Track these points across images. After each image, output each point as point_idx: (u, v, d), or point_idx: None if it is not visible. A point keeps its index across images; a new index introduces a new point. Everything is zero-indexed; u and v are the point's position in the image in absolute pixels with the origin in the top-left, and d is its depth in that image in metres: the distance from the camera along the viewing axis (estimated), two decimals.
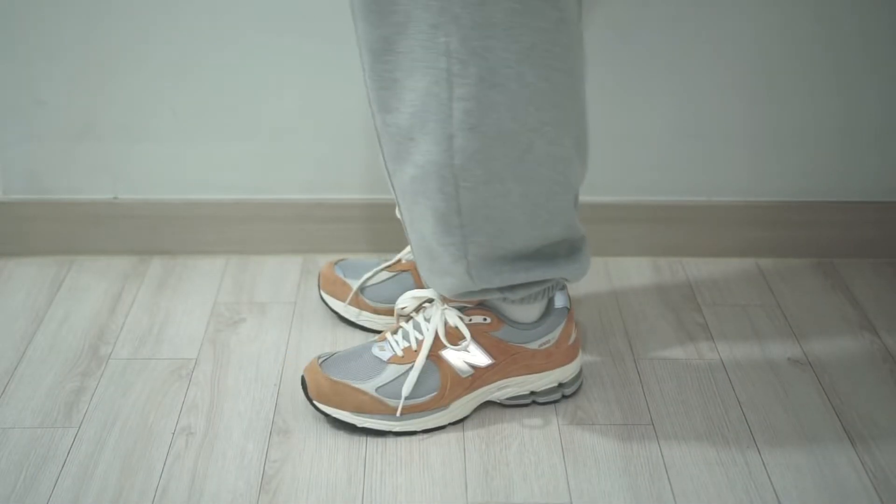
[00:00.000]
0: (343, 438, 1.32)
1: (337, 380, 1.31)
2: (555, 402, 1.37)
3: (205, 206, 1.68)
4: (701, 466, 1.28)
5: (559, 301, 1.35)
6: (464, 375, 1.32)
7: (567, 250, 1.29)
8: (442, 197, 1.20)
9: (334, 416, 1.31)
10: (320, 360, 1.34)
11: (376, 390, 1.31)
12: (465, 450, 1.31)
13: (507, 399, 1.36)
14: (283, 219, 1.69)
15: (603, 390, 1.41)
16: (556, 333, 1.34)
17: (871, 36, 1.60)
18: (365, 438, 1.31)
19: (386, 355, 1.33)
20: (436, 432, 1.33)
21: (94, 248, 1.69)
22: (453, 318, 1.31)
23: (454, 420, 1.33)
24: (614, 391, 1.41)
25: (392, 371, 1.31)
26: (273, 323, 1.54)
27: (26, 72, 1.60)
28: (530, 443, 1.32)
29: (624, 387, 1.41)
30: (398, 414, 1.30)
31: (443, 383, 1.31)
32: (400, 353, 1.32)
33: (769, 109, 1.64)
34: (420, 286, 1.47)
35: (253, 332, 1.52)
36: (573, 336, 1.37)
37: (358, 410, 1.31)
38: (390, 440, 1.31)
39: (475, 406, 1.35)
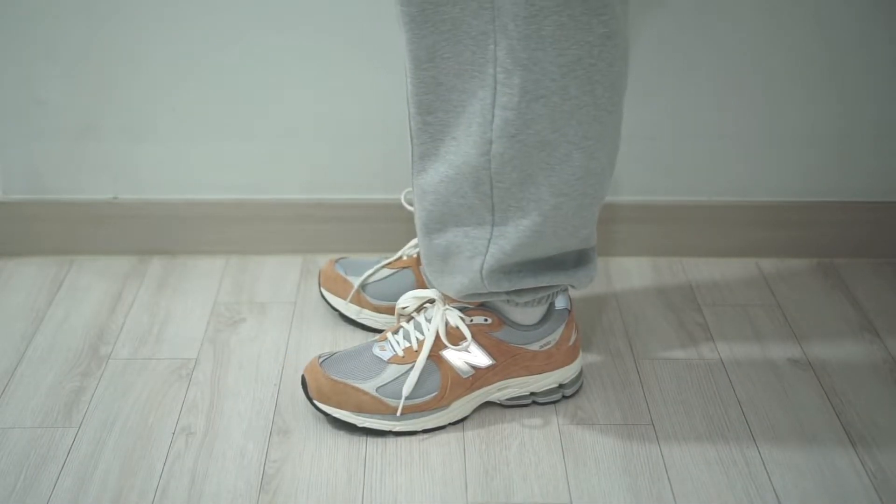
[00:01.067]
0: (343, 438, 1.32)
1: (337, 379, 1.31)
2: (555, 402, 1.37)
3: (205, 206, 1.68)
4: (701, 466, 1.28)
5: (560, 302, 1.35)
6: (464, 376, 1.32)
7: (577, 258, 1.30)
8: (476, 195, 1.21)
9: (334, 415, 1.31)
10: (320, 360, 1.34)
11: (377, 390, 1.31)
12: (465, 450, 1.31)
13: (508, 400, 1.36)
14: (283, 219, 1.69)
15: (603, 390, 1.41)
16: (557, 335, 1.34)
17: (869, 37, 1.60)
18: (365, 438, 1.31)
19: (386, 355, 1.33)
20: (436, 432, 1.33)
21: (94, 248, 1.69)
22: (454, 319, 1.31)
23: (454, 420, 1.33)
24: (614, 391, 1.41)
25: (392, 371, 1.31)
26: (273, 323, 1.54)
27: (26, 72, 1.60)
28: (530, 443, 1.32)
29: (624, 387, 1.41)
30: (398, 414, 1.30)
31: (443, 383, 1.31)
32: (401, 353, 1.32)
33: (769, 109, 1.64)
34: (421, 284, 1.47)
35: (253, 332, 1.52)
36: (574, 337, 1.37)
37: (358, 410, 1.31)
38: (390, 440, 1.31)
39: (475, 406, 1.35)
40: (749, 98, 1.63)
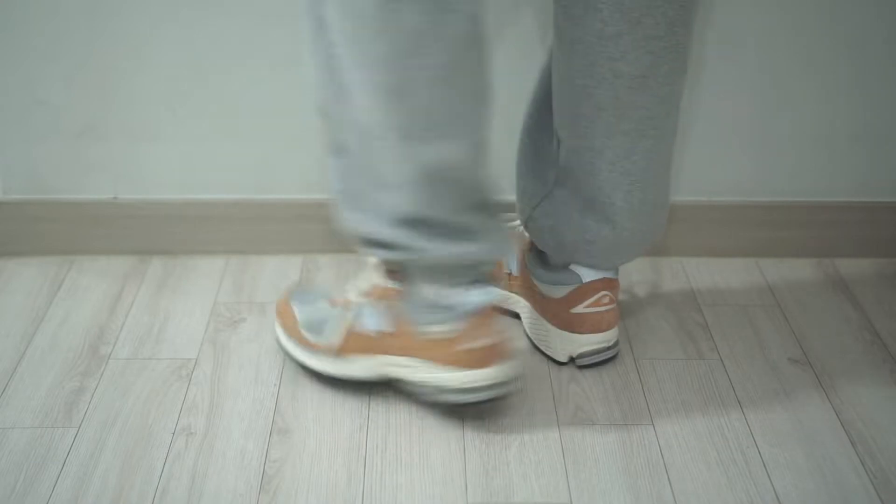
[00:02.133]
0: (343, 438, 1.32)
1: (289, 302, 1.43)
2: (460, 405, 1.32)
3: (205, 206, 1.68)
4: (701, 466, 1.28)
5: (478, 294, 1.28)
6: (368, 332, 1.33)
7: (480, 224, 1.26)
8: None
9: (280, 337, 1.43)
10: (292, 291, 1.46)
11: (301, 317, 1.40)
12: (465, 450, 1.31)
13: (412, 385, 1.33)
14: (283, 219, 1.69)
15: (603, 390, 1.41)
16: (459, 326, 1.28)
17: (875, 36, 1.60)
18: (365, 439, 1.32)
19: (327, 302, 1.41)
20: (435, 432, 1.33)
21: (94, 248, 1.69)
22: (375, 277, 1.34)
23: (355, 377, 1.36)
24: (614, 391, 1.41)
25: (322, 307, 1.39)
26: (273, 323, 1.54)
27: (26, 72, 1.60)
28: (530, 443, 1.32)
29: (624, 387, 1.41)
30: (300, 342, 1.39)
31: (348, 331, 1.35)
32: (337, 300, 1.39)
33: (769, 109, 1.64)
34: None
35: (253, 332, 1.52)
36: (485, 340, 1.29)
37: (289, 333, 1.41)
38: (390, 440, 1.31)
39: (380, 375, 1.35)
40: (750, 97, 1.63)
